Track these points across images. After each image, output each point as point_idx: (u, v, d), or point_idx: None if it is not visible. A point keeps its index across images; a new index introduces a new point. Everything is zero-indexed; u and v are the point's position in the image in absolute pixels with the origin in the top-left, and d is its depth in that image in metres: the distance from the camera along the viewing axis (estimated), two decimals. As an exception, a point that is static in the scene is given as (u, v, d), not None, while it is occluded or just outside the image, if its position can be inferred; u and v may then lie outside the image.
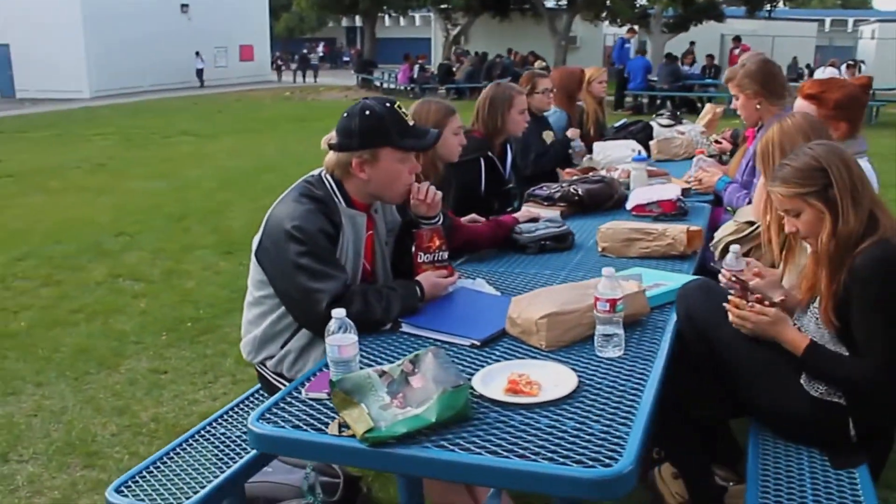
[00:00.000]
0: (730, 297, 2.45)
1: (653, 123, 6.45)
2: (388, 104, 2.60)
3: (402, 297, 2.55)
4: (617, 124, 6.71)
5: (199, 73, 35.71)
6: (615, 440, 1.75)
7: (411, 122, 2.63)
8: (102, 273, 6.66)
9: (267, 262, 2.62)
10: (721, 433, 2.72)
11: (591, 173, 4.76)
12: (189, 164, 12.66)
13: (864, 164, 3.03)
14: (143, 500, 2.26)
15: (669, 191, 4.00)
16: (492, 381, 2.04)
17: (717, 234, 3.32)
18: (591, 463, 1.65)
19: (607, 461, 1.66)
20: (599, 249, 3.33)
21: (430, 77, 28.10)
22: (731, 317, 2.39)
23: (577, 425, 1.82)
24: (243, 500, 2.58)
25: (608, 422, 1.83)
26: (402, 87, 28.03)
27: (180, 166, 12.56)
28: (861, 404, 2.25)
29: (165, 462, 2.47)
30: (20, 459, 3.68)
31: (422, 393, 1.88)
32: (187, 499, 2.29)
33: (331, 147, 2.66)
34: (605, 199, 4.14)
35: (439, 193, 2.80)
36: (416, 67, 27.95)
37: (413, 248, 2.75)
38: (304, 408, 2.02)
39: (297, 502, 2.79)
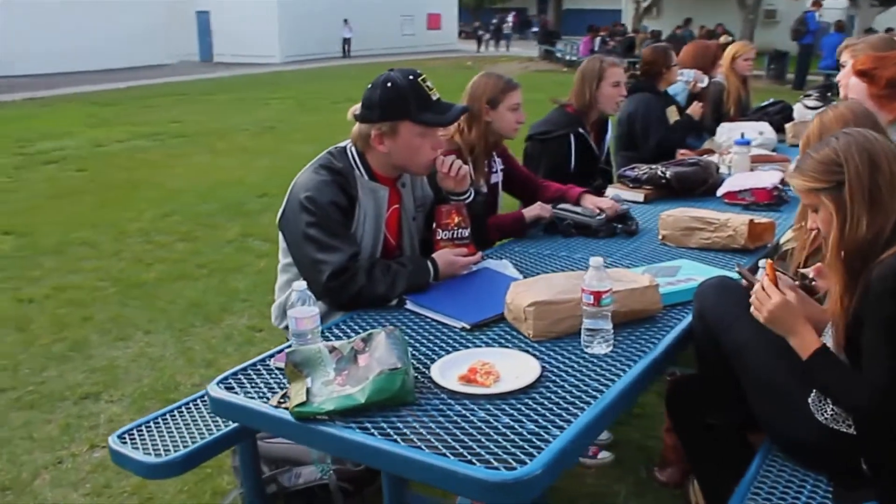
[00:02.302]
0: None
1: (797, 105, 5.99)
2: (411, 76, 2.52)
3: (409, 274, 2.49)
4: (763, 104, 6.29)
5: (346, 42, 33.84)
6: (540, 442, 1.63)
7: (435, 97, 2.55)
8: (235, 232, 6.98)
9: (287, 230, 2.64)
10: (744, 447, 2.47)
11: (706, 155, 4.50)
12: (347, 130, 12.91)
13: None
14: (138, 448, 2.33)
15: (768, 178, 3.70)
16: (453, 367, 1.96)
17: (782, 238, 3.02)
18: (496, 464, 1.55)
19: (514, 464, 1.55)
20: (660, 237, 3.13)
21: (611, 50, 27.35)
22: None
23: (511, 422, 1.71)
24: (255, 451, 2.60)
25: (546, 422, 1.71)
26: (583, 60, 27.38)
27: (339, 131, 12.56)
28: (865, 432, 1.95)
29: (174, 416, 2.53)
30: (109, 400, 3.95)
31: (364, 372, 1.84)
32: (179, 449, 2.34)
33: (355, 118, 2.63)
34: (698, 184, 3.86)
35: (465, 168, 2.69)
36: (598, 40, 27.26)
37: (434, 225, 2.68)
38: (267, 377, 2.03)
39: (313, 469, 2.81)
